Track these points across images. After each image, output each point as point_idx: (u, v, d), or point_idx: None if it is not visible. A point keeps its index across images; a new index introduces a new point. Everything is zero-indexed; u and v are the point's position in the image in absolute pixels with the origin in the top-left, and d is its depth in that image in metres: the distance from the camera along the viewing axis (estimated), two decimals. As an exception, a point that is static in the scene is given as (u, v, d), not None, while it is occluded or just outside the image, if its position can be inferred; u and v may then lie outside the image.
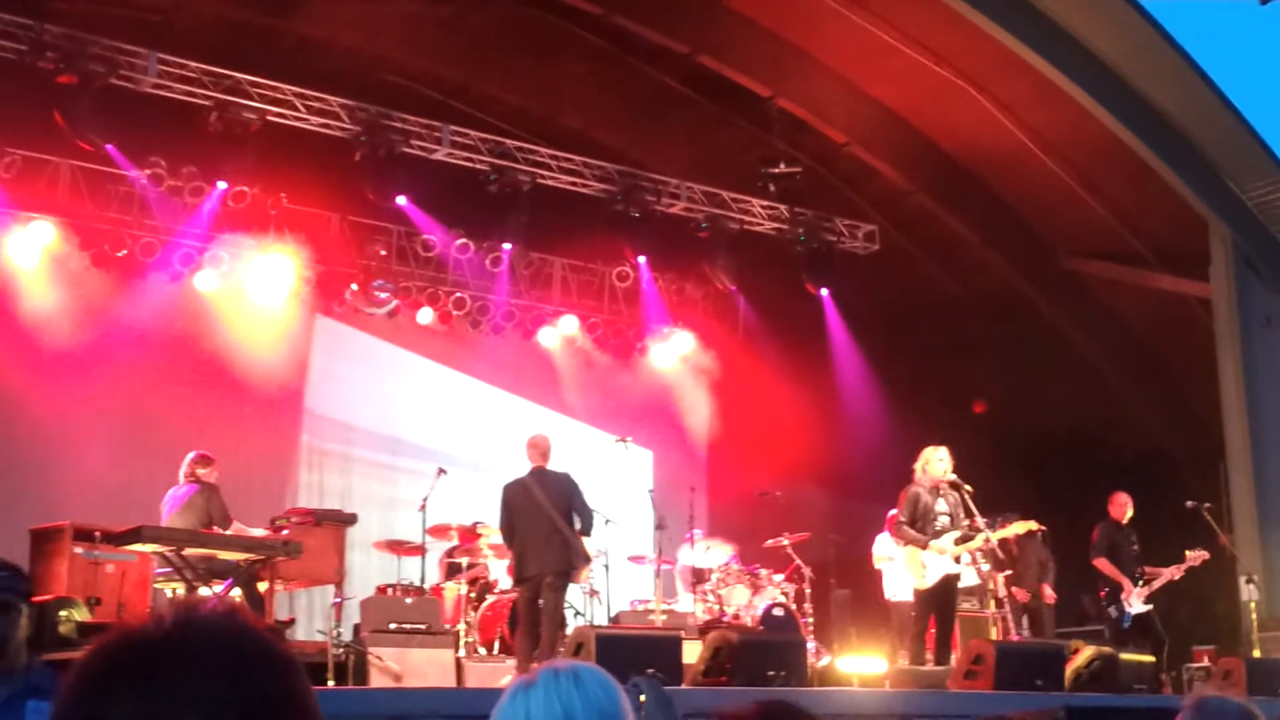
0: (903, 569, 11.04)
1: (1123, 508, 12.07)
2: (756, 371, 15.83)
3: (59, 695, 1.36)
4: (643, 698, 5.53)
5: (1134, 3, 12.94)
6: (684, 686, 8.64)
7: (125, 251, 12.86)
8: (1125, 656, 10.58)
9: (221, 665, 1.35)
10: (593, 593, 12.15)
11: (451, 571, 12.11)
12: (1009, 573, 12.31)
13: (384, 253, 14.46)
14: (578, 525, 10.21)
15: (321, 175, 13.45)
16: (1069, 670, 9.98)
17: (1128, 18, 13.08)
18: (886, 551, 12.51)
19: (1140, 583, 11.83)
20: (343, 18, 14.19)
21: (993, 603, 12.05)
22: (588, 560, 10.56)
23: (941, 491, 10.62)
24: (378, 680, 9.96)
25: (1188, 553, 11.91)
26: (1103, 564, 11.93)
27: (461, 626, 11.37)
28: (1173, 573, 11.88)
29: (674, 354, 16.21)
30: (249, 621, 1.41)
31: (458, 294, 14.82)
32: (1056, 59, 13.27)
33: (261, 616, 9.11)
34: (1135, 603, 11.77)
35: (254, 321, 13.57)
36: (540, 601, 9.99)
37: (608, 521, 11.78)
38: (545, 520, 10.05)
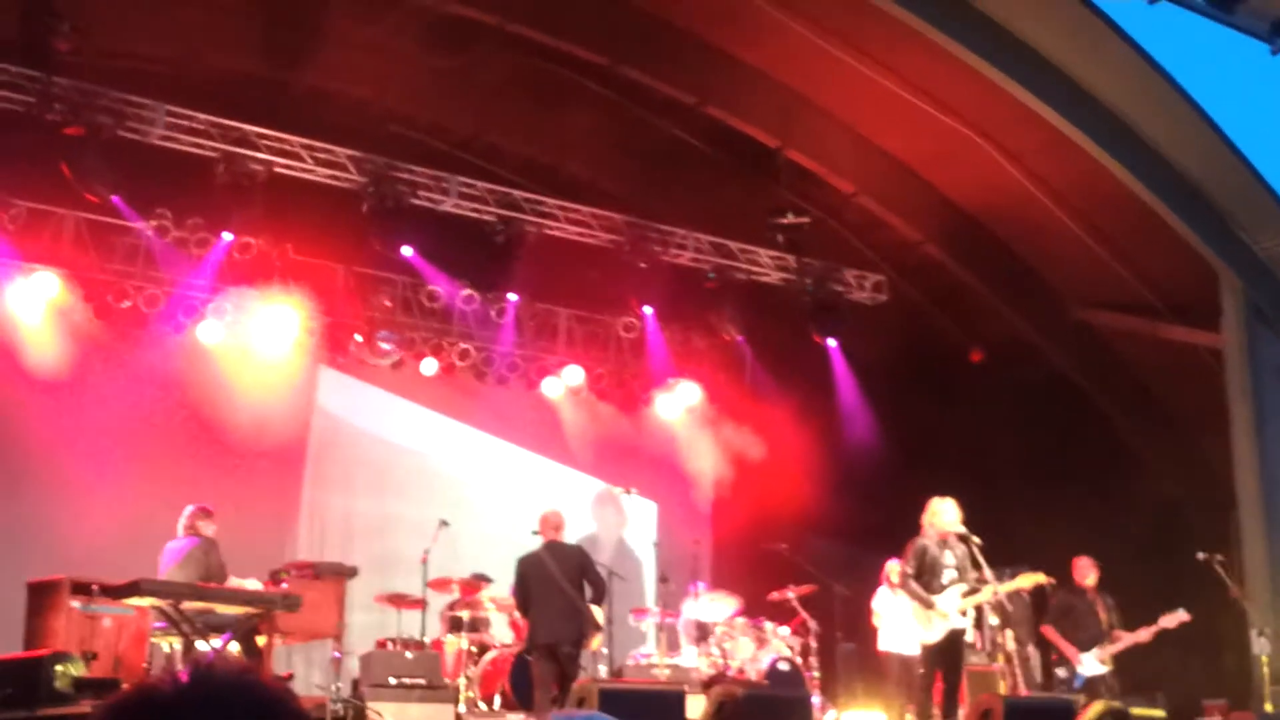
0: (909, 621, 10.93)
1: (1083, 572, 12.22)
2: (763, 423, 15.75)
3: None
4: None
5: (1144, 53, 12.93)
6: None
7: (129, 303, 12.85)
8: (1136, 711, 10.46)
9: None
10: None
11: (453, 626, 12.00)
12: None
13: (389, 304, 14.44)
14: (589, 594, 10.55)
15: (328, 226, 13.45)
16: (1078, 727, 9.86)
17: (1137, 68, 13.08)
18: (880, 607, 12.45)
19: (1106, 642, 11.84)
20: (351, 70, 14.24)
21: (1001, 657, 11.95)
22: (598, 629, 10.82)
23: (949, 544, 10.52)
24: (377, 736, 9.83)
25: (1161, 617, 11.88)
26: (1047, 631, 12.29)
27: (462, 681, 11.29)
28: (1140, 636, 11.91)
29: (680, 405, 16.14)
30: (263, 678, 1.38)
31: (462, 345, 14.80)
32: (1066, 110, 13.25)
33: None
34: (1090, 663, 11.79)
35: (258, 373, 13.53)
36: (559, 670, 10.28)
37: (611, 575, 11.71)
38: (559, 593, 10.34)
